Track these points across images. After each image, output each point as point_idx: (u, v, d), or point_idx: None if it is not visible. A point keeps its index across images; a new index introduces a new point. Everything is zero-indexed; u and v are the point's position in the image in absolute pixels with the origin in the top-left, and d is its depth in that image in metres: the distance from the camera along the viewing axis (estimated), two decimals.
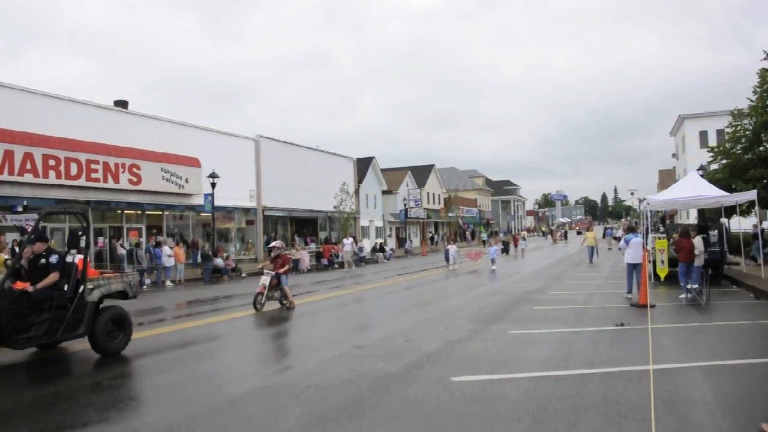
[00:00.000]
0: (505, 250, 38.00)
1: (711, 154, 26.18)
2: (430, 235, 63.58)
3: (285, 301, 14.17)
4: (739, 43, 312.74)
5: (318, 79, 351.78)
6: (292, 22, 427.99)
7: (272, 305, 14.17)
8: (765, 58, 21.68)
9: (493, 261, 25.99)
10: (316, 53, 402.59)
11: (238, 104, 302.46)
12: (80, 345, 9.41)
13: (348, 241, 32.54)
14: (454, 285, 20.00)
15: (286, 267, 14.18)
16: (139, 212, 27.93)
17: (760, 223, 22.17)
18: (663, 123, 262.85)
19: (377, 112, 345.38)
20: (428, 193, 63.36)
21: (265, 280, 13.65)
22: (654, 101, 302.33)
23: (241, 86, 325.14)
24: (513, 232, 72.20)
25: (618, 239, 43.39)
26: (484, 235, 60.36)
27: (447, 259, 27.84)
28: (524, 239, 43.48)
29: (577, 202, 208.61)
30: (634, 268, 14.17)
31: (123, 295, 9.66)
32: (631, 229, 16.21)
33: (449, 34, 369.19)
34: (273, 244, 15.05)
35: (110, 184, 25.28)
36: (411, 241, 51.94)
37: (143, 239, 26.70)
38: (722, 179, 22.84)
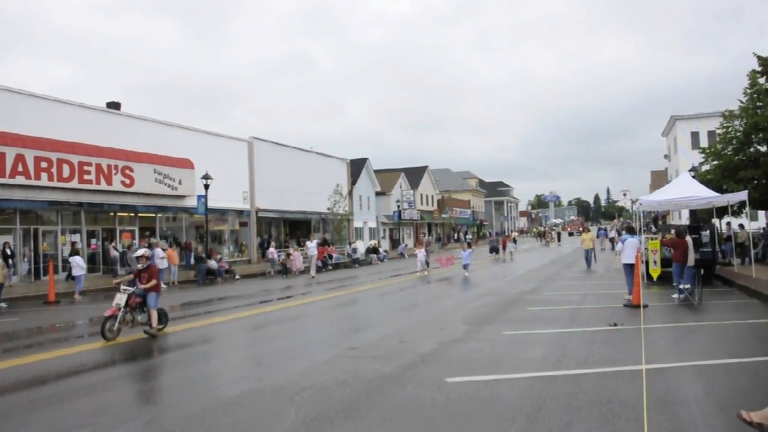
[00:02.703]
0: (495, 250, 37.55)
1: (702, 155, 26.35)
2: (424, 236, 63.64)
3: (159, 326, 11.02)
4: (712, 47, 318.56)
5: (302, 84, 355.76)
6: (275, 28, 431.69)
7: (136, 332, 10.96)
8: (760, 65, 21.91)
9: (465, 267, 23.73)
10: (299, 58, 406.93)
11: (223, 108, 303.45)
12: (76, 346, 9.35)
13: (312, 244, 28.94)
14: (448, 287, 20.03)
15: (153, 282, 11.00)
16: (132, 214, 27.82)
17: (731, 224, 22.37)
18: (648, 125, 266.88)
19: (363, 115, 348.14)
20: (421, 194, 63.41)
21: (120, 299, 10.58)
22: (637, 104, 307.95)
23: (225, 91, 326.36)
24: (506, 233, 72.34)
25: (612, 240, 43.45)
26: (469, 236, 59.88)
27: (426, 264, 26.12)
28: (514, 241, 42.08)
29: (569, 203, 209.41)
30: (630, 268, 14.18)
31: None
32: (630, 230, 16.19)
33: (429, 39, 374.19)
34: (138, 252, 11.61)
35: (103, 185, 25.16)
36: (405, 244, 51.93)
37: (136, 241, 26.62)
38: (714, 180, 23.01)
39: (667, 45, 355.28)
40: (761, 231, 24.42)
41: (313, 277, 26.20)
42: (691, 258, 13.64)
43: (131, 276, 11.44)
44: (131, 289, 10.81)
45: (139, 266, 11.20)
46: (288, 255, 29.47)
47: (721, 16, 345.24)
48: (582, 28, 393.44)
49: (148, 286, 10.92)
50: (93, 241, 26.05)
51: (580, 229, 60.07)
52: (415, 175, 63.08)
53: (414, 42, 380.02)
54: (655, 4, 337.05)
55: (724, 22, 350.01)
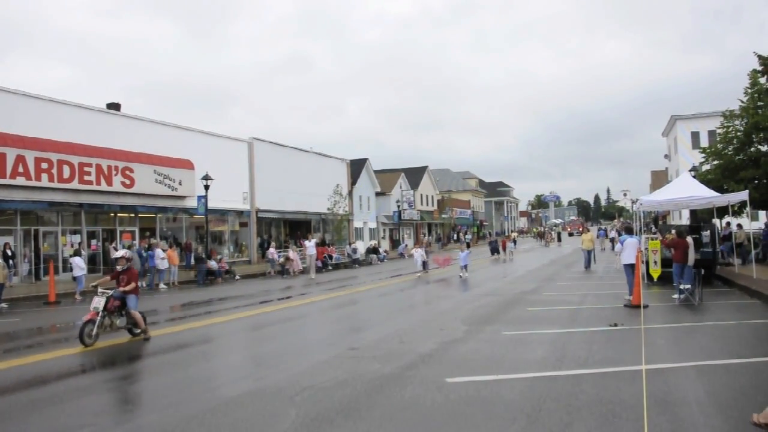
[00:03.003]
0: (495, 251, 37.47)
1: (703, 155, 26.33)
2: (424, 236, 63.61)
3: (137, 330, 10.65)
4: (711, 47, 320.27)
5: (301, 84, 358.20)
6: (274, 29, 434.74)
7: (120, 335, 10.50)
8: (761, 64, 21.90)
9: (464, 268, 22.55)
10: (298, 59, 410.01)
11: (222, 109, 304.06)
12: (77, 346, 9.34)
13: (311, 243, 27.62)
14: (447, 287, 20.02)
15: (133, 285, 10.61)
16: (132, 215, 27.83)
17: (731, 224, 22.39)
18: (648, 125, 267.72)
19: (362, 116, 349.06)
20: (421, 194, 63.40)
21: (98, 302, 10.08)
22: (637, 104, 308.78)
23: (225, 91, 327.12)
24: (506, 234, 72.28)
25: (612, 240, 43.39)
26: (468, 237, 59.67)
27: (424, 265, 25.30)
28: (514, 242, 41.56)
29: (570, 203, 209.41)
30: (631, 268, 14.16)
31: None
32: (628, 230, 16.17)
33: (428, 39, 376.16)
34: (118, 253, 11.05)
35: (103, 186, 25.18)
36: (405, 245, 51.89)
37: (136, 242, 26.61)
38: (714, 180, 22.99)
39: (666, 45, 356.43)
40: (761, 231, 24.38)
41: (312, 277, 25.95)
42: (692, 258, 13.63)
43: (108, 278, 10.97)
44: (109, 292, 10.32)
45: (119, 268, 10.68)
46: (287, 258, 29.42)
47: (719, 15, 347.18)
48: (581, 27, 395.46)
49: (127, 289, 10.48)
50: (93, 241, 26.07)
51: (580, 229, 59.92)
52: (415, 175, 63.07)
53: (413, 42, 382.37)
54: (654, 4, 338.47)
55: (722, 22, 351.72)
